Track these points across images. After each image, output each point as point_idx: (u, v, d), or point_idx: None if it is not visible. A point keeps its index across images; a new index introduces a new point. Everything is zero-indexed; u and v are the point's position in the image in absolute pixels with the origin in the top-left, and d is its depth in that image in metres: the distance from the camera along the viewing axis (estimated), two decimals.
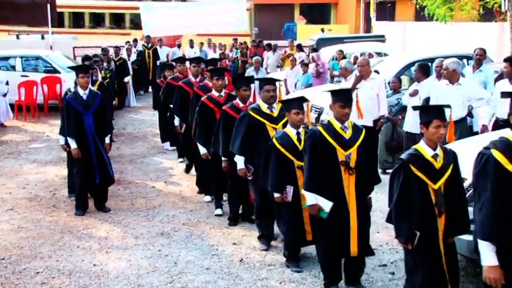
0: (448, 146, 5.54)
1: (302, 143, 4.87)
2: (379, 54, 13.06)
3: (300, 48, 15.32)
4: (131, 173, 8.49)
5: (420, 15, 18.94)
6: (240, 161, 5.52)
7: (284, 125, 5.30)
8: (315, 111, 9.56)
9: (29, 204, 7.02)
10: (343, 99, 4.41)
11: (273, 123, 5.42)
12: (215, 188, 6.58)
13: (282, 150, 4.90)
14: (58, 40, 19.03)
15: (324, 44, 14.92)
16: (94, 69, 8.93)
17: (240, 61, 16.27)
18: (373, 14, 22.90)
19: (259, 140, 5.34)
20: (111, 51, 14.68)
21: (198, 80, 7.66)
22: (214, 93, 6.42)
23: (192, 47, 17.44)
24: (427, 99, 7.13)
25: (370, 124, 7.35)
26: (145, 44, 16.68)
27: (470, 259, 4.64)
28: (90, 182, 6.63)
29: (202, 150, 6.40)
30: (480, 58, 8.06)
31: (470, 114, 7.01)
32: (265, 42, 17.39)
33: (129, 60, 14.98)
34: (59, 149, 8.45)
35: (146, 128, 11.98)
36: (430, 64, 8.37)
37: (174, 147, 9.34)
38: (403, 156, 3.87)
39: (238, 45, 17.29)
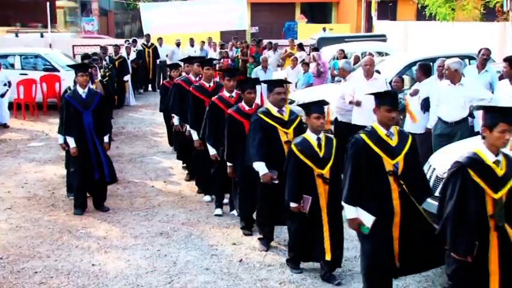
0: (449, 147, 5.55)
1: (323, 149, 4.67)
2: (380, 53, 13.03)
3: (300, 47, 15.31)
4: (130, 172, 8.48)
5: (422, 14, 18.95)
6: (261, 167, 5.19)
7: (296, 129, 5.16)
8: None
9: (28, 204, 7.02)
10: (389, 102, 4.07)
11: (284, 127, 5.20)
12: (218, 188, 6.51)
13: (301, 157, 4.63)
14: (57, 38, 19.02)
15: (325, 43, 14.88)
16: (93, 67, 8.93)
17: (240, 60, 16.25)
18: (374, 14, 22.89)
19: (270, 145, 5.16)
20: (111, 50, 14.67)
21: (198, 79, 7.59)
22: (225, 93, 6.28)
23: (192, 45, 17.42)
24: (426, 99, 7.13)
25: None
26: (145, 43, 16.67)
27: None
28: (89, 181, 6.63)
29: (212, 151, 6.25)
30: (486, 58, 8.01)
31: (471, 114, 7.00)
32: (266, 41, 17.36)
33: (128, 59, 14.97)
34: (57, 147, 8.43)
35: (146, 127, 11.97)
36: (431, 64, 8.36)
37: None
38: (461, 159, 3.56)
39: (238, 44, 17.27)
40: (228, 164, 5.76)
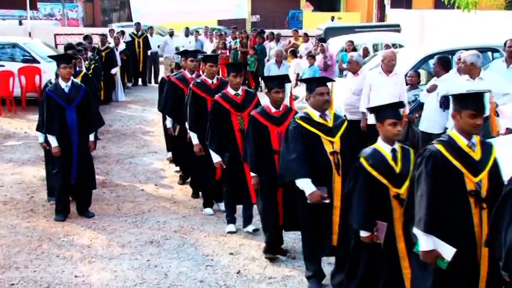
0: None
1: (399, 163, 4.13)
2: (393, 45, 13.02)
3: (307, 37, 15.38)
4: (118, 174, 8.48)
5: (440, 2, 18.94)
6: (307, 184, 4.65)
7: (342, 137, 4.72)
8: None
9: (4, 208, 7.02)
10: (474, 105, 3.63)
11: (328, 135, 4.71)
12: (229, 200, 6.22)
13: (374, 173, 4.09)
14: (38, 26, 19.03)
15: (332, 34, 14.93)
16: (77, 59, 8.93)
17: (239, 52, 16.26)
18: (387, 1, 22.93)
19: (313, 157, 4.68)
20: (97, 40, 14.67)
21: (194, 76, 7.43)
22: (230, 91, 6.06)
23: (187, 35, 17.43)
24: (446, 96, 7.13)
25: None
26: (135, 32, 16.68)
27: None
28: (72, 184, 6.64)
29: (215, 158, 6.03)
30: None
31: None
32: (267, 31, 17.39)
33: (116, 50, 14.98)
34: (37, 147, 8.45)
35: (135, 124, 11.98)
36: (450, 57, 8.35)
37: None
38: None
39: (237, 35, 17.29)
40: (252, 174, 5.44)
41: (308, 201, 4.66)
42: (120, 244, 5.96)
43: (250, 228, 6.15)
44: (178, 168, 8.31)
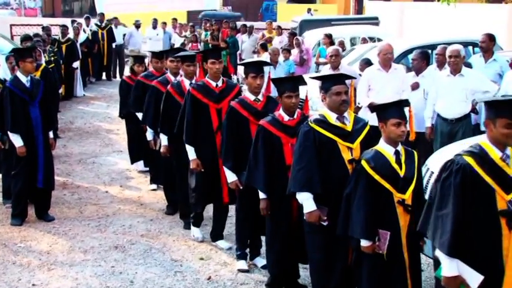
0: (448, 148, 5.64)
1: (403, 166, 4.04)
2: (372, 39, 13.19)
3: (281, 30, 15.47)
4: (80, 175, 8.42)
5: None
6: (307, 200, 4.36)
7: (362, 144, 4.39)
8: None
9: None
10: (511, 113, 3.40)
11: (346, 140, 4.38)
12: (242, 229, 5.48)
13: (376, 177, 4.00)
14: None
15: (308, 27, 15.04)
16: (37, 51, 8.83)
17: (210, 46, 16.24)
18: None
19: (328, 166, 4.37)
20: (57, 31, 14.49)
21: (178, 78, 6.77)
22: (249, 96, 5.36)
23: (155, 27, 17.32)
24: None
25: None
26: (98, 23, 16.53)
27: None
28: (32, 186, 6.56)
29: (231, 177, 5.31)
30: (488, 46, 8.13)
31: (474, 110, 7.12)
32: (239, 23, 17.43)
33: (76, 41, 14.82)
34: None
35: (99, 122, 11.91)
36: (430, 51, 8.48)
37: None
38: None
39: (208, 27, 17.26)
40: (261, 196, 4.85)
41: (305, 218, 4.40)
42: (82, 250, 5.92)
43: (259, 262, 5.57)
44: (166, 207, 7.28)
